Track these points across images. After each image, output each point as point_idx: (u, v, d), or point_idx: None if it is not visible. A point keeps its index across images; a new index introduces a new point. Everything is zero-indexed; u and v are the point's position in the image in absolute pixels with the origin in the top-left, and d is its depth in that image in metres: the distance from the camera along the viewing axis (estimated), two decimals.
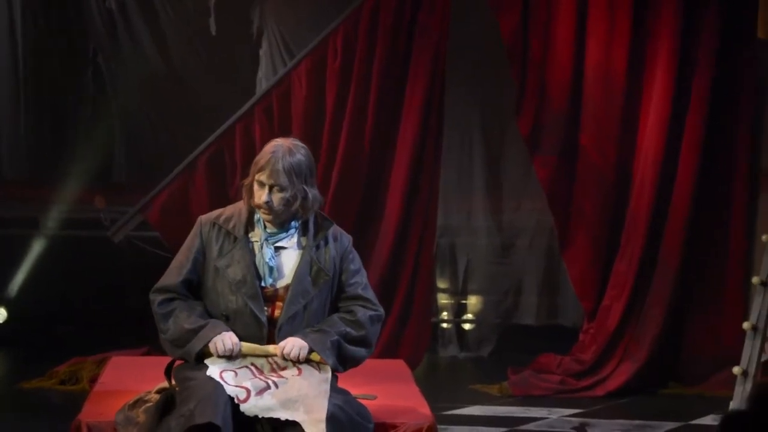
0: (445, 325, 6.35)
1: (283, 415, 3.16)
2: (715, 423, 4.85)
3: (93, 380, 4.65)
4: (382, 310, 3.48)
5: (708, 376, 5.52)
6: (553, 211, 5.70)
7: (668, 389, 5.55)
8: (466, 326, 6.39)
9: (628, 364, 5.51)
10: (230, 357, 3.27)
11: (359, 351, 3.41)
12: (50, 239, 6.13)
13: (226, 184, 5.54)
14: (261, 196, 3.33)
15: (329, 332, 3.35)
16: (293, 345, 3.30)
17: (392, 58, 5.61)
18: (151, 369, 3.79)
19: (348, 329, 3.38)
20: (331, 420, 3.16)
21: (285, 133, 5.72)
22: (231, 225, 3.39)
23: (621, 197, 5.63)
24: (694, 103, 5.53)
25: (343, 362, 3.40)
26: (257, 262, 3.34)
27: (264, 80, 6.17)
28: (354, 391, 3.71)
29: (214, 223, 3.40)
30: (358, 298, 3.44)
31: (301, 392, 3.22)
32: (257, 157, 3.37)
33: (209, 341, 3.29)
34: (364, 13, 5.59)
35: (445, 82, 5.67)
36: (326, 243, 3.42)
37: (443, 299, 6.38)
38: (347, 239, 3.50)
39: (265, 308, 3.34)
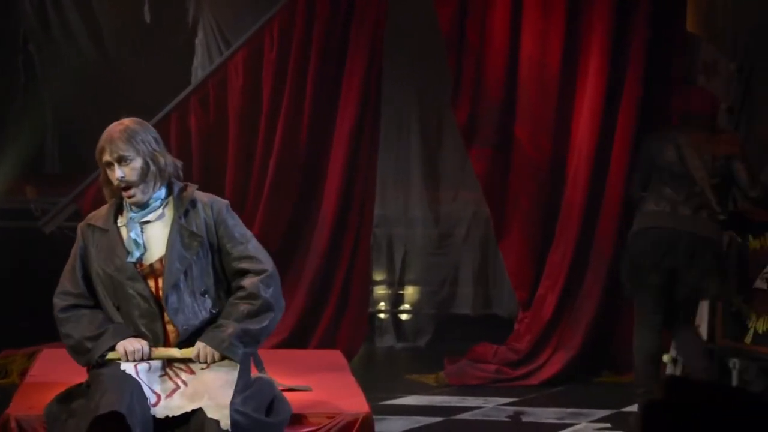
0: (382, 315, 6.37)
1: (189, 407, 3.20)
2: None
3: (23, 373, 4.56)
4: (270, 266, 3.41)
5: None
6: (488, 203, 5.75)
7: (601, 378, 5.64)
8: (403, 317, 6.42)
9: (562, 353, 5.58)
10: (140, 361, 3.28)
11: (264, 319, 3.36)
12: None
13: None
14: (114, 176, 3.35)
15: (227, 324, 3.32)
16: (204, 353, 3.30)
17: (329, 48, 5.60)
18: None
19: (244, 307, 3.35)
20: (234, 427, 3.16)
21: (221, 123, 5.72)
22: (101, 221, 3.42)
23: (555, 189, 5.69)
24: (626, 96, 5.61)
25: (254, 342, 3.38)
26: (126, 244, 3.36)
27: (200, 70, 6.11)
28: (289, 382, 3.70)
29: (89, 225, 3.44)
30: (243, 258, 3.39)
31: (206, 385, 3.25)
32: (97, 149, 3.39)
33: (110, 347, 3.29)
34: (301, 3, 5.57)
35: (383, 71, 5.68)
36: (194, 207, 3.40)
37: (380, 290, 6.40)
38: (221, 203, 3.47)
39: (147, 284, 3.34)
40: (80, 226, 3.48)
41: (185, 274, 3.34)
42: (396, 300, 6.41)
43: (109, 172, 3.36)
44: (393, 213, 6.38)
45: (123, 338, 3.31)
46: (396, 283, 6.40)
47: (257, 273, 3.39)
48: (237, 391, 3.24)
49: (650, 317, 4.68)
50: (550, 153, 5.67)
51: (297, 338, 5.51)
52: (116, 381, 3.18)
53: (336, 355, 4.37)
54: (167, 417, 3.20)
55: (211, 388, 3.23)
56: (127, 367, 3.25)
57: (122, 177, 3.33)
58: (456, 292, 6.35)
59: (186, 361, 3.31)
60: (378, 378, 5.47)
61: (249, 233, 3.47)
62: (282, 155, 5.60)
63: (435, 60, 6.01)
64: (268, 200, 5.55)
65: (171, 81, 6.07)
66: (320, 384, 3.79)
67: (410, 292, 6.44)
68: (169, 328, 3.35)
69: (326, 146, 5.65)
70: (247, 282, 3.37)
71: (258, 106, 5.62)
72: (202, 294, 3.37)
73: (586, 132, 5.62)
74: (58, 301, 3.41)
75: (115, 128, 3.38)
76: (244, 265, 3.39)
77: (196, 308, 3.36)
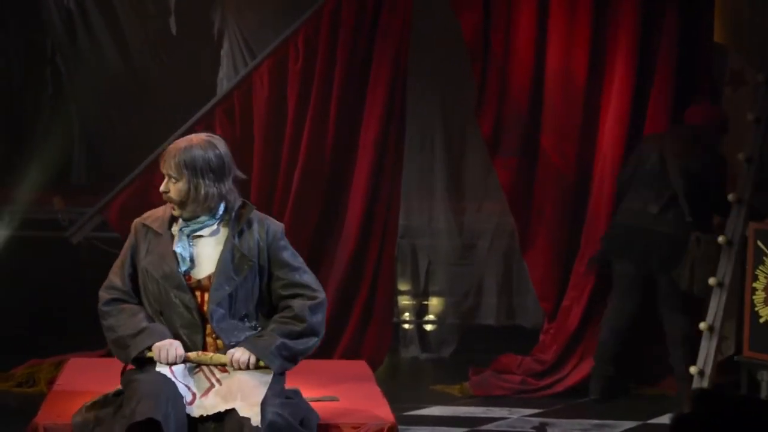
0: (406, 326, 6.36)
1: (223, 407, 3.23)
2: None
3: (50, 382, 4.60)
4: (321, 295, 3.47)
5: (667, 375, 5.58)
6: (513, 213, 5.73)
7: (628, 389, 5.60)
8: (428, 327, 6.41)
9: (587, 364, 5.55)
10: (173, 365, 3.31)
11: (305, 342, 3.41)
12: (8, 240, 6.06)
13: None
14: (161, 185, 3.44)
15: (272, 336, 3.37)
16: (239, 358, 3.32)
17: (354, 59, 5.61)
18: (109, 371, 3.76)
19: (290, 327, 3.39)
20: (270, 427, 3.18)
21: (246, 134, 5.74)
22: (157, 224, 3.45)
23: (581, 199, 5.67)
24: (652, 106, 5.59)
25: (292, 360, 3.42)
26: (176, 252, 3.39)
27: (225, 81, 6.14)
28: (316, 393, 3.71)
29: (143, 224, 3.48)
30: (294, 285, 3.45)
31: (240, 384, 3.28)
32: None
33: (147, 347, 3.33)
34: (325, 14, 5.58)
35: (407, 82, 5.69)
36: (249, 228, 3.43)
37: (404, 300, 6.40)
38: (277, 227, 3.50)
39: (193, 297, 3.37)
40: (135, 223, 3.51)
41: (230, 295, 3.36)
42: (420, 310, 6.40)
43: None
44: (417, 223, 6.38)
45: (160, 339, 3.33)
46: (420, 294, 6.39)
47: (308, 298, 3.43)
48: (274, 394, 3.27)
49: (620, 298, 5.33)
50: (575, 162, 5.65)
51: (322, 348, 5.45)
52: (152, 387, 3.20)
53: (361, 366, 4.37)
54: (202, 416, 3.22)
55: (244, 388, 3.26)
56: (162, 368, 3.27)
57: (165, 192, 3.41)
58: (480, 302, 6.33)
59: (220, 365, 3.34)
60: (403, 388, 5.47)
61: (301, 260, 3.51)
62: (307, 166, 5.61)
63: (459, 70, 6.01)
64: (293, 211, 5.56)
65: (196, 92, 6.10)
66: (345, 394, 3.79)
67: (434, 302, 6.43)
68: (209, 340, 3.38)
69: (351, 156, 5.66)
70: (296, 304, 3.41)
71: (283, 117, 5.64)
72: (242, 318, 3.41)
73: (612, 142, 5.59)
74: (104, 294, 3.45)
75: (180, 144, 3.43)
76: (296, 290, 3.44)
77: (238, 327, 3.39)
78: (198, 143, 3.41)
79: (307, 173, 5.61)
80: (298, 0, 5.77)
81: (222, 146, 3.45)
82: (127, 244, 3.49)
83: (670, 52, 5.55)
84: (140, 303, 3.43)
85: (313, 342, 3.43)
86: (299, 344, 3.39)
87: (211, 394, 3.28)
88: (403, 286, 6.38)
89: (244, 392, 3.25)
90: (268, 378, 3.31)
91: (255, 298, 3.43)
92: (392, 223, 5.72)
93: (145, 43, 6.35)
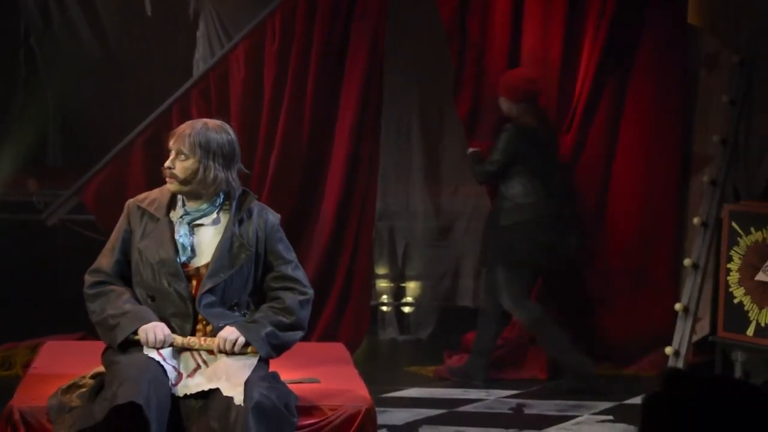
0: (384, 308, 6.37)
1: (206, 387, 3.25)
2: None
3: (26, 365, 4.57)
4: (311, 292, 3.50)
5: (640, 356, 5.62)
6: (490, 195, 5.74)
7: (601, 369, 5.64)
8: (405, 309, 6.43)
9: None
10: (161, 348, 3.30)
11: (292, 335, 3.44)
12: None
13: (162, 167, 5.46)
14: (167, 160, 3.39)
15: (263, 323, 3.38)
16: (227, 338, 3.32)
17: (331, 40, 5.59)
18: (86, 354, 3.75)
19: (279, 317, 3.40)
20: (257, 407, 3.19)
21: (223, 116, 5.69)
22: (153, 207, 3.42)
23: None
24: (627, 88, 5.61)
25: (278, 349, 3.44)
26: (176, 241, 3.36)
27: (201, 62, 6.10)
28: (295, 375, 3.71)
29: (139, 206, 3.44)
30: (286, 278, 3.45)
31: (225, 366, 3.29)
32: None
33: (134, 330, 3.31)
34: None
35: (384, 65, 5.67)
36: (249, 217, 3.42)
37: (382, 283, 6.40)
38: (274, 217, 3.49)
39: (188, 286, 3.36)
40: (129, 204, 3.47)
41: (225, 282, 3.36)
42: (398, 293, 6.41)
43: (169, 154, 3.40)
44: (394, 206, 6.38)
45: (146, 322, 3.31)
46: (398, 276, 6.40)
47: (299, 293, 3.44)
48: (258, 377, 3.27)
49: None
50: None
51: None
52: (134, 370, 3.19)
53: (339, 348, 4.38)
54: (186, 395, 3.24)
55: (229, 370, 3.27)
56: (150, 352, 3.27)
57: (170, 167, 3.37)
58: (457, 284, 6.35)
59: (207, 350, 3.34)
60: (381, 370, 5.48)
61: (294, 254, 3.51)
62: (284, 148, 5.59)
63: (436, 54, 6.00)
64: (269, 194, 5.55)
65: (172, 73, 6.06)
66: (323, 376, 3.80)
67: (412, 284, 6.45)
68: (198, 327, 3.37)
69: (328, 140, 5.65)
70: (287, 296, 3.42)
71: (259, 99, 5.62)
72: (232, 307, 3.41)
73: (584, 124, 5.62)
74: (89, 277, 3.43)
75: (195, 123, 3.42)
76: (287, 284, 3.44)
77: (226, 315, 3.39)
78: (214, 127, 3.40)
79: (284, 156, 5.59)
80: None
81: (233, 134, 3.45)
82: (119, 226, 3.45)
83: (643, 35, 5.57)
84: (127, 286, 3.42)
85: (298, 336, 3.45)
86: (286, 336, 3.41)
87: (197, 374, 3.30)
88: (380, 269, 6.38)
89: (228, 373, 3.27)
90: (253, 361, 3.32)
91: (249, 288, 3.43)
92: (369, 205, 5.72)
93: (121, 25, 6.29)
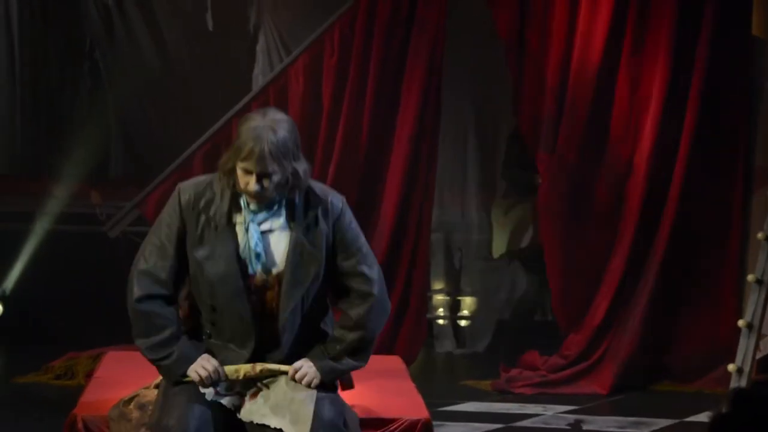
0: (440, 321, 6.36)
1: (273, 422, 3.08)
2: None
3: (89, 375, 4.64)
4: (376, 288, 3.18)
5: (703, 373, 5.53)
6: (541, 209, 5.68)
7: (662, 386, 5.56)
8: (462, 323, 6.40)
9: (613, 360, 5.50)
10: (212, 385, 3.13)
11: (368, 354, 3.26)
12: (46, 234, 6.13)
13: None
14: (249, 183, 3.04)
15: (340, 358, 3.19)
16: (306, 374, 3.14)
17: (389, 53, 5.61)
18: (147, 364, 3.77)
19: (353, 339, 3.19)
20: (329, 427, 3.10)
21: None
22: (212, 211, 3.10)
23: (616, 195, 5.62)
24: (690, 100, 5.54)
25: (348, 378, 3.34)
26: (241, 251, 3.08)
27: (261, 76, 6.17)
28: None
29: (194, 207, 3.11)
30: (352, 275, 3.17)
31: (287, 396, 3.13)
32: (238, 142, 3.04)
33: (182, 374, 3.11)
34: (361, 8, 5.59)
35: (442, 77, 5.67)
36: (316, 222, 3.14)
37: (438, 296, 6.39)
38: (338, 201, 3.20)
39: (255, 298, 3.11)
40: (183, 201, 3.11)
41: (302, 299, 3.13)
42: (454, 306, 6.39)
43: (242, 173, 3.04)
44: (451, 219, 6.37)
45: (192, 362, 3.11)
46: (454, 289, 6.38)
47: (363, 298, 3.18)
48: (324, 405, 3.12)
49: None
50: (609, 158, 5.60)
51: None
52: (183, 401, 3.08)
53: (395, 361, 4.37)
54: (251, 422, 3.11)
55: (291, 402, 3.11)
56: (206, 391, 3.12)
57: (259, 191, 3.03)
58: (513, 298, 6.32)
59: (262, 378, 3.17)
60: (437, 384, 5.47)
61: (362, 239, 3.22)
62: (341, 161, 5.62)
63: (494, 66, 5.99)
64: None
65: (232, 87, 6.13)
66: (379, 389, 3.79)
67: (468, 298, 6.42)
68: (257, 348, 3.15)
69: (386, 151, 5.66)
70: (354, 312, 3.18)
71: (318, 112, 5.66)
72: (314, 317, 3.19)
73: (648, 137, 5.55)
74: (139, 283, 3.09)
75: (267, 134, 3.01)
76: (351, 283, 3.18)
77: (305, 332, 3.17)
78: (282, 132, 3.03)
79: (342, 169, 5.62)
80: None
81: (285, 115, 3.13)
82: (170, 221, 3.11)
83: (706, 47, 5.49)
84: (177, 294, 3.15)
85: (371, 351, 3.26)
86: (362, 360, 3.24)
87: (260, 398, 3.13)
88: (436, 282, 6.37)
89: (292, 411, 3.08)
90: (314, 392, 3.14)
91: (324, 292, 3.19)
92: (426, 218, 5.71)
93: (182, 39, 6.39)
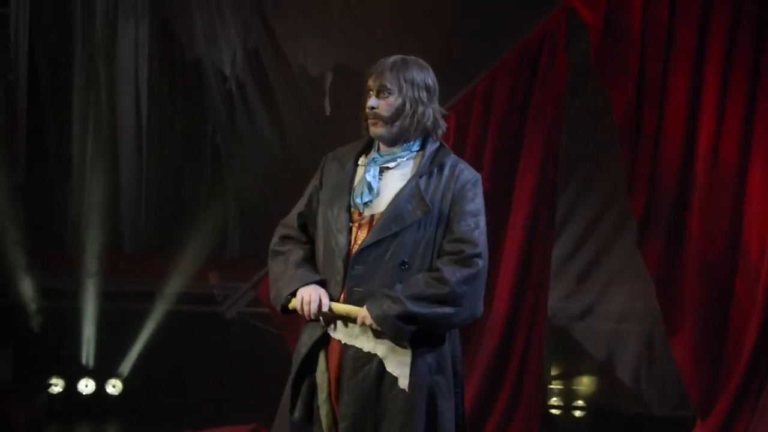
0: (554, 411, 6.19)
1: (366, 346, 3.01)
2: None
3: None
4: (482, 263, 3.04)
5: None
6: (659, 296, 5.50)
7: None
8: (576, 413, 6.22)
9: None
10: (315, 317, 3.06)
11: (445, 309, 3.01)
12: (165, 314, 6.25)
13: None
14: (368, 102, 3.12)
15: (397, 301, 3.00)
16: (364, 318, 3.04)
17: (505, 139, 5.59)
18: None
19: (428, 289, 3.00)
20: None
21: None
22: (345, 157, 3.20)
23: (727, 284, 5.40)
24: None
25: (415, 324, 3.03)
26: (355, 184, 3.10)
27: None
28: None
29: (334, 156, 3.24)
30: (456, 240, 3.04)
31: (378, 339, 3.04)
32: None
33: (292, 291, 3.10)
34: (478, 94, 5.59)
35: (558, 161, 5.62)
36: (440, 173, 3.09)
37: (552, 384, 6.24)
38: (471, 174, 3.15)
39: (358, 233, 3.06)
40: (326, 157, 3.27)
41: (395, 235, 3.02)
42: (569, 395, 6.22)
43: (367, 96, 3.14)
44: (566, 304, 6.25)
45: (305, 283, 3.08)
46: (569, 377, 6.23)
47: (462, 262, 3.03)
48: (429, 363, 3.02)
49: None
50: (722, 246, 5.40)
51: None
52: None
53: None
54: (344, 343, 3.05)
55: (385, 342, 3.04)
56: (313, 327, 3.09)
57: (373, 107, 3.09)
58: (639, 389, 6.10)
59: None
60: None
61: (482, 217, 3.13)
62: None
63: (603, 151, 5.93)
64: None
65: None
66: None
67: (583, 386, 6.25)
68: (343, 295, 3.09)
69: (500, 236, 5.59)
70: (447, 266, 3.02)
71: None
72: (401, 265, 3.03)
73: (760, 224, 5.35)
74: (277, 231, 3.27)
75: (396, 60, 3.12)
76: (457, 246, 3.03)
77: (386, 277, 3.04)
78: (413, 60, 3.12)
79: None
80: (451, 81, 5.83)
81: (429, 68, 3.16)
82: (313, 179, 3.26)
83: None
84: (310, 240, 3.19)
85: (452, 312, 3.00)
86: (431, 308, 2.99)
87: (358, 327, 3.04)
88: (551, 369, 6.23)
89: (389, 345, 3.01)
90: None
91: (425, 250, 3.04)
92: (542, 300, 5.58)
93: (300, 124, 6.53)
